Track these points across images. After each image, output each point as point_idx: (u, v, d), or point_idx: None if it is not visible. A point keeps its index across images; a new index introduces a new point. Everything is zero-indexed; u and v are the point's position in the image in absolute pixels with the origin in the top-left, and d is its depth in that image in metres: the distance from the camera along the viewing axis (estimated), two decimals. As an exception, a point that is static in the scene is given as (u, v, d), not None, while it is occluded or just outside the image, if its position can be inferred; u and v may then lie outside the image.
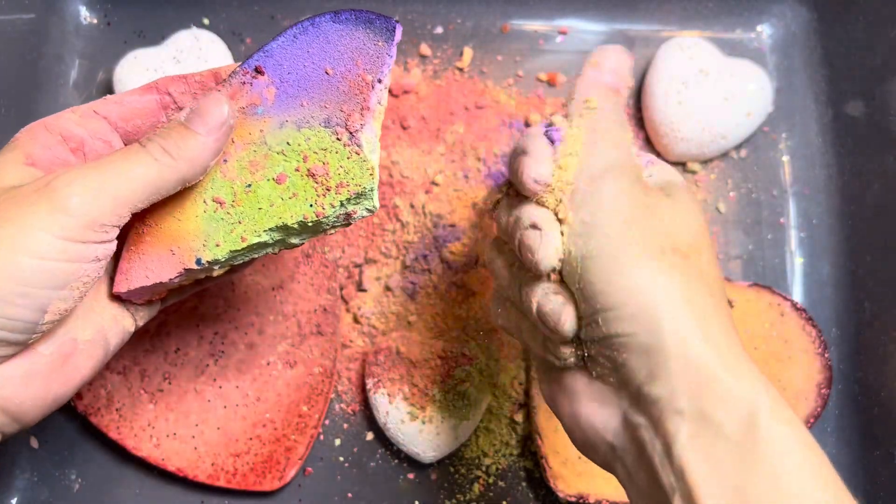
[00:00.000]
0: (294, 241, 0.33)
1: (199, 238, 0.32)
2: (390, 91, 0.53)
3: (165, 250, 0.32)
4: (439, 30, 0.55)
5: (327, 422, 0.49)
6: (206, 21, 0.54)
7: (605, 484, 0.46)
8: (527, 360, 0.49)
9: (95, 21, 0.55)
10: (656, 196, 0.31)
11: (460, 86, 0.54)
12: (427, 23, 0.55)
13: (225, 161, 0.32)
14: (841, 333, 0.52)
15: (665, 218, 0.30)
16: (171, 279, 0.32)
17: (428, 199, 0.51)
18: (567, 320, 0.30)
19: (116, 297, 0.34)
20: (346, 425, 0.49)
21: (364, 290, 0.50)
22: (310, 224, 0.32)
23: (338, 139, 0.32)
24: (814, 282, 0.53)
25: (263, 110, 0.33)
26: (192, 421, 0.47)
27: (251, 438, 0.47)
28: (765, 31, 0.56)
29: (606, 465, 0.31)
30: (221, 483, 0.46)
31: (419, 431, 0.46)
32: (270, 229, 0.32)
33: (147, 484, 0.48)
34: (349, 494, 0.48)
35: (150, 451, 0.46)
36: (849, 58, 0.53)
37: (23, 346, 0.29)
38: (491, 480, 0.49)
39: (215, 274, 0.34)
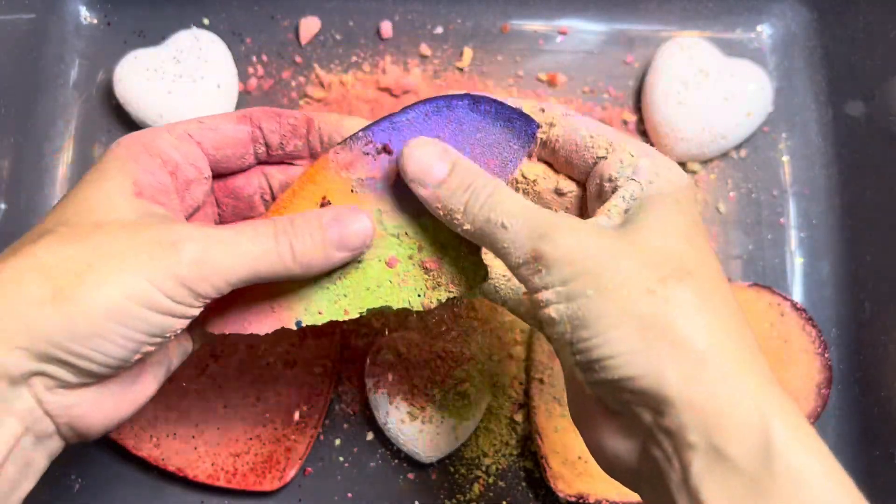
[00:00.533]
0: (382, 311, 0.33)
1: (303, 302, 0.32)
2: (390, 91, 0.53)
3: (266, 305, 0.32)
4: (439, 30, 0.55)
5: (327, 422, 0.49)
6: (206, 21, 0.54)
7: (605, 484, 0.46)
8: (527, 360, 0.49)
9: (95, 21, 0.55)
10: (623, 233, 0.29)
11: (460, 86, 0.54)
12: (427, 23, 0.55)
13: None
14: (841, 333, 0.52)
15: (648, 247, 0.28)
16: (265, 333, 0.32)
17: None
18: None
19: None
20: (346, 425, 0.49)
21: (364, 290, 0.50)
22: (413, 311, 0.32)
23: (456, 236, 0.31)
24: (814, 282, 0.53)
25: (383, 187, 0.31)
26: (192, 421, 0.47)
27: (251, 438, 0.47)
28: (765, 31, 0.56)
29: (635, 489, 0.30)
30: (221, 483, 0.46)
31: (419, 431, 0.46)
32: (373, 308, 0.32)
33: (147, 484, 0.48)
34: (349, 494, 0.48)
35: (150, 451, 0.46)
36: (849, 58, 0.53)
37: (100, 377, 0.30)
38: (491, 480, 0.49)
39: None
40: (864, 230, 0.51)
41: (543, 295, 0.28)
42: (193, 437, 0.47)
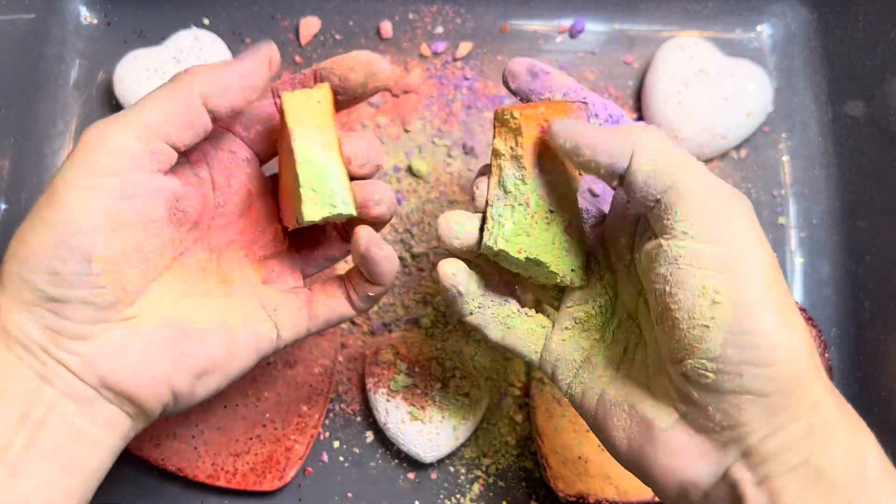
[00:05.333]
0: None
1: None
2: (390, 91, 0.53)
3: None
4: (439, 30, 0.55)
5: (327, 422, 0.49)
6: (206, 21, 0.54)
7: (605, 484, 0.46)
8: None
9: (95, 21, 0.55)
10: None
11: (460, 85, 0.54)
12: (427, 23, 0.55)
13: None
14: (841, 333, 0.52)
15: None
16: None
17: (429, 199, 0.51)
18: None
19: (261, 295, 0.35)
20: (346, 425, 0.49)
21: (364, 290, 0.50)
22: None
23: None
24: (814, 282, 0.53)
25: None
26: (192, 421, 0.47)
27: (251, 438, 0.47)
28: (765, 31, 0.56)
29: None
30: (221, 483, 0.46)
31: (419, 431, 0.46)
32: None
33: (147, 484, 0.48)
34: (349, 494, 0.48)
35: (150, 451, 0.46)
36: (849, 58, 0.53)
37: (94, 307, 0.29)
38: (491, 480, 0.49)
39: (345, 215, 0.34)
40: (864, 230, 0.51)
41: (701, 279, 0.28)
42: (193, 437, 0.47)
